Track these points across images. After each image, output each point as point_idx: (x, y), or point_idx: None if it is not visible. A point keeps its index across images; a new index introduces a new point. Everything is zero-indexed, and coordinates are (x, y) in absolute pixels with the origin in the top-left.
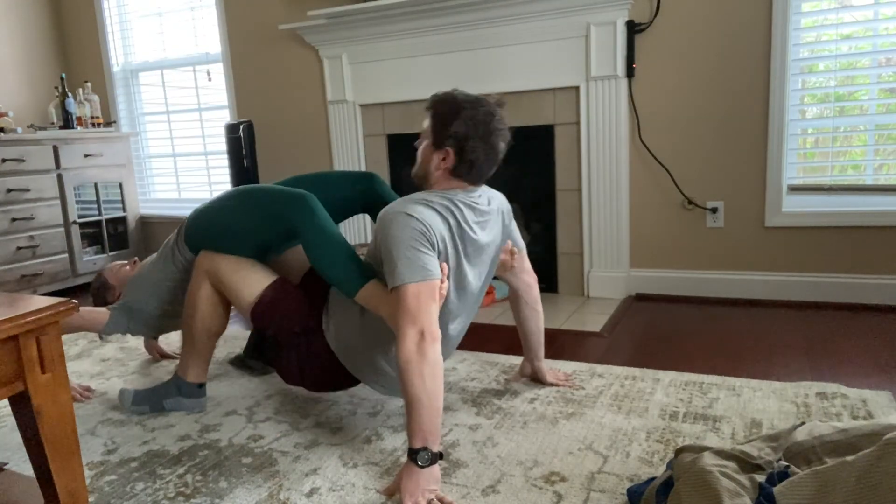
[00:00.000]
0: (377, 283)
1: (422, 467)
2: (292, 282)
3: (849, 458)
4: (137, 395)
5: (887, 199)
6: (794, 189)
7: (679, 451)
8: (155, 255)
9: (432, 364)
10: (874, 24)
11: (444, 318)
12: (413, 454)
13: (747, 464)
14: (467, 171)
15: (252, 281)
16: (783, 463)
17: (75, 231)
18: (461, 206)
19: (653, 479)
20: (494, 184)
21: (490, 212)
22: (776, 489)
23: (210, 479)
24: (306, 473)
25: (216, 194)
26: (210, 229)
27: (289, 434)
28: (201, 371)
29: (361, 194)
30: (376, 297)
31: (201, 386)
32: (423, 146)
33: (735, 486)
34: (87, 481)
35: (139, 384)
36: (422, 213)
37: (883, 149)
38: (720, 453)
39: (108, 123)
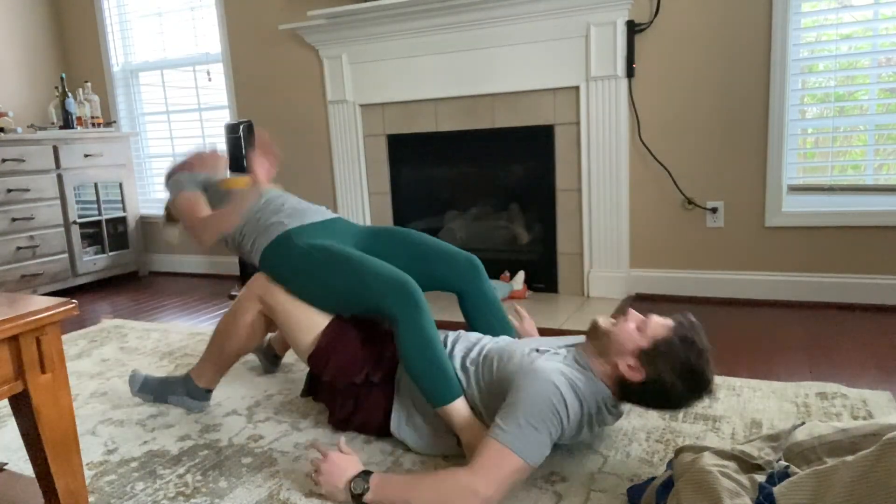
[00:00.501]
0: (464, 405)
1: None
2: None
3: (848, 458)
4: (147, 383)
5: (887, 199)
6: (794, 189)
7: (679, 451)
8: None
9: None
10: (874, 24)
11: None
12: None
13: (747, 464)
14: (630, 398)
15: (310, 322)
16: (783, 463)
17: (75, 231)
18: (604, 410)
19: (653, 478)
20: (496, 184)
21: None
22: (776, 489)
23: (210, 479)
24: (306, 474)
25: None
26: (292, 264)
27: (289, 434)
28: (214, 380)
29: (461, 281)
30: (459, 419)
31: (209, 391)
32: (631, 331)
33: (735, 486)
34: (87, 481)
35: None
36: (570, 398)
37: (883, 149)
38: (720, 453)
39: (108, 123)
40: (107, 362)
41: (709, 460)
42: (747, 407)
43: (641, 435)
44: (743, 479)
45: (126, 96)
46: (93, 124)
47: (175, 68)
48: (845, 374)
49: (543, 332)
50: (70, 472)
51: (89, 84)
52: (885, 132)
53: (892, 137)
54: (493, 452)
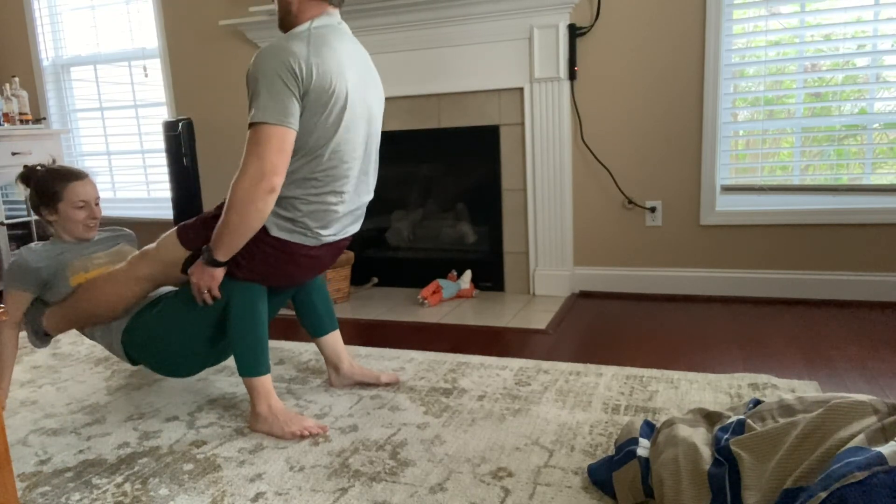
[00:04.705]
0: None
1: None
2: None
3: (798, 417)
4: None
5: (813, 198)
6: (727, 189)
7: (662, 426)
8: None
9: None
10: (800, 31)
11: None
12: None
13: (713, 419)
14: None
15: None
16: (740, 417)
17: (2, 232)
18: None
19: (611, 457)
20: (442, 184)
21: None
22: (732, 441)
23: (150, 488)
24: (251, 479)
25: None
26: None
27: (233, 439)
28: (59, 330)
29: None
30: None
31: (48, 336)
32: None
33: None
34: (19, 493)
35: (74, 391)
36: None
37: (809, 150)
38: (691, 421)
39: (38, 120)
40: (38, 369)
41: (682, 432)
42: (685, 399)
43: (585, 428)
44: (705, 435)
45: (56, 92)
46: (21, 121)
47: (109, 63)
48: (775, 366)
49: (489, 330)
50: (0, 484)
51: (17, 79)
52: (810, 135)
53: (818, 140)
54: (253, 134)
